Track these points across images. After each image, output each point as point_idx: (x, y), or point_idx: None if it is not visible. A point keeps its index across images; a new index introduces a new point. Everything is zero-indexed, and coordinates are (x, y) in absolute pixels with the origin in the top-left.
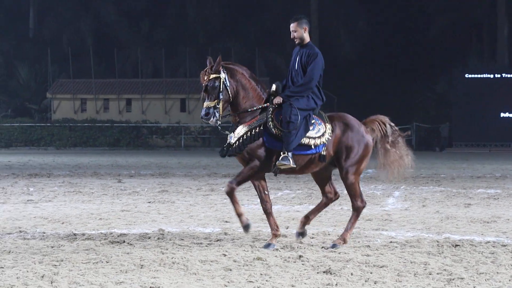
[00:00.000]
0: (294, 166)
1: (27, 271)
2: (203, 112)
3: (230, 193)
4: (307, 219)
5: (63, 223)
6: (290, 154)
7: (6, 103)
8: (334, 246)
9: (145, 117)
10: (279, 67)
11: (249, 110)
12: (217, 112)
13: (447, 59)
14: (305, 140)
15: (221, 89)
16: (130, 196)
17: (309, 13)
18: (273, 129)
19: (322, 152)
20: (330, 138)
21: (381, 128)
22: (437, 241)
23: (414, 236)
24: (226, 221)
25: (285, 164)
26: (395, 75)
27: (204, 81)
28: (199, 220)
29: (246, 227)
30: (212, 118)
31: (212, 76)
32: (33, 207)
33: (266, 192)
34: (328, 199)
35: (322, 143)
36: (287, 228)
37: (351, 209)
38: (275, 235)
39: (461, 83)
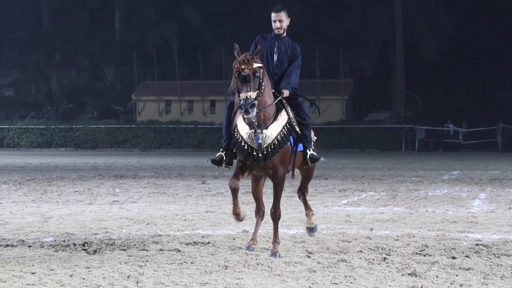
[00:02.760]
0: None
1: (113, 271)
2: (244, 102)
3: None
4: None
5: (148, 224)
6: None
7: (92, 105)
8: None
9: None
10: (363, 68)
11: (267, 105)
12: (256, 104)
13: None
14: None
15: (261, 80)
16: (214, 197)
17: (393, 13)
18: (295, 127)
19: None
20: None
21: None
22: None
23: (500, 239)
24: (371, 229)
25: (320, 159)
26: (480, 76)
27: (244, 70)
28: (283, 222)
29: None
30: (254, 111)
31: (256, 65)
32: (119, 208)
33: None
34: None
35: None
36: (371, 230)
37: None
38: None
39: None
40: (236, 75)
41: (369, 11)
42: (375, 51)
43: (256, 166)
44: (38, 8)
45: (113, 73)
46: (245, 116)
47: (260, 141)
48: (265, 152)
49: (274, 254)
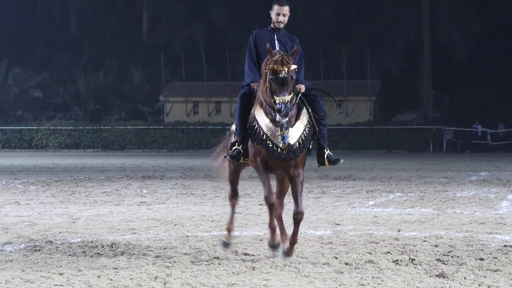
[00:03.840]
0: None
1: (141, 272)
2: (284, 107)
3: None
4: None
5: (175, 224)
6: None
7: (119, 106)
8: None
9: None
10: (390, 69)
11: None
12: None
13: None
14: None
15: (294, 82)
16: (242, 198)
17: (420, 13)
18: (315, 125)
19: None
20: None
21: None
22: None
23: None
24: (338, 224)
25: (339, 161)
26: (509, 77)
27: (282, 72)
28: (311, 223)
29: (272, 246)
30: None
31: (293, 67)
32: (146, 209)
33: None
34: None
35: None
36: (399, 231)
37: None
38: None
39: None
40: (271, 76)
41: (396, 11)
42: (403, 52)
43: (280, 165)
44: (66, 9)
45: (141, 74)
46: (282, 120)
47: (289, 140)
48: (293, 150)
49: (288, 254)
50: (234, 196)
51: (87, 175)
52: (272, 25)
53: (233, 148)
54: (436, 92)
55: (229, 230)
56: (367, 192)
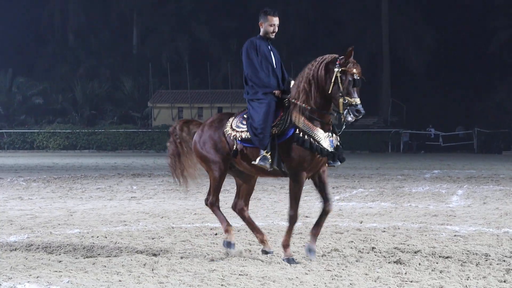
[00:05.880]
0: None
1: (131, 260)
2: (361, 107)
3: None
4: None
5: (162, 217)
6: None
7: (112, 111)
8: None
9: None
10: None
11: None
12: None
13: (505, 71)
14: None
15: None
16: (222, 194)
17: (380, 29)
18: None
19: None
20: None
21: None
22: (497, 235)
23: (476, 230)
24: (307, 216)
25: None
26: (459, 85)
27: (361, 75)
28: (283, 215)
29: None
30: None
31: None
32: (136, 203)
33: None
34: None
35: None
36: (361, 223)
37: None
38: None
39: None
40: (353, 79)
41: (359, 27)
42: (365, 63)
43: (315, 167)
44: (64, 25)
45: (131, 83)
46: (354, 120)
47: (337, 142)
48: (340, 151)
49: (313, 249)
50: (217, 201)
51: (83, 173)
52: (264, 36)
53: (261, 155)
54: (394, 99)
55: (227, 230)
56: (333, 188)
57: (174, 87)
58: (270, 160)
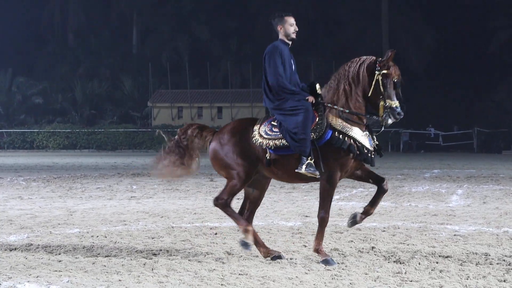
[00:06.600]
0: None
1: (131, 259)
2: (401, 110)
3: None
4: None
5: (162, 217)
6: None
7: (112, 111)
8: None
9: None
10: None
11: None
12: None
13: (505, 71)
14: None
15: None
16: None
17: (380, 29)
18: None
19: None
20: None
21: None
22: (497, 234)
23: (475, 230)
24: (306, 216)
25: None
26: (459, 85)
27: (400, 78)
28: (283, 215)
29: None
30: None
31: None
32: (136, 203)
33: None
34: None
35: None
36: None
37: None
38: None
39: None
40: (395, 81)
41: (359, 27)
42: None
43: (355, 167)
44: (64, 25)
45: (131, 83)
46: (393, 122)
47: (375, 142)
48: (375, 151)
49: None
50: (231, 202)
51: (83, 172)
52: (286, 38)
53: (306, 163)
54: None
55: (246, 230)
56: None
57: (174, 87)
58: (315, 166)
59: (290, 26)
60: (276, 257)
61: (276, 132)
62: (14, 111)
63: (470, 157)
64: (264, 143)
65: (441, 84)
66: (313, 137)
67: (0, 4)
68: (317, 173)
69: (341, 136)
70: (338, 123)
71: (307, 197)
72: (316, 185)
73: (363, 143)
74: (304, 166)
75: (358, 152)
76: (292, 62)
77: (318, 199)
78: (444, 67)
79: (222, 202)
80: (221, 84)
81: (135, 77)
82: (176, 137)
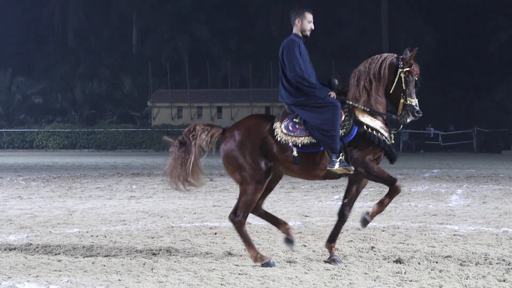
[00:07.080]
0: None
1: (130, 259)
2: (419, 107)
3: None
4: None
5: (161, 216)
6: None
7: (112, 111)
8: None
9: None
10: None
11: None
12: None
13: (505, 71)
14: None
15: None
16: (221, 193)
17: (380, 29)
18: None
19: None
20: None
21: None
22: (496, 234)
23: (475, 230)
24: (306, 216)
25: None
26: (459, 85)
27: (419, 76)
28: (282, 215)
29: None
30: None
31: None
32: (136, 203)
33: None
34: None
35: None
36: None
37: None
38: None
39: None
40: (416, 80)
41: (359, 27)
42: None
43: (378, 160)
44: (64, 25)
45: (131, 82)
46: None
47: (392, 140)
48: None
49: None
50: (246, 220)
51: (83, 172)
52: (301, 33)
53: (338, 160)
54: None
55: (257, 259)
56: (333, 187)
57: (174, 87)
58: (346, 162)
59: (308, 23)
60: (266, 264)
61: (301, 129)
62: (14, 111)
63: (469, 157)
64: (290, 140)
65: (441, 84)
66: (341, 134)
67: (0, 4)
68: (352, 168)
69: (369, 130)
70: (364, 117)
71: (306, 197)
72: (316, 185)
73: (388, 139)
74: (337, 163)
75: (387, 148)
76: (307, 57)
77: (378, 183)
78: (444, 67)
79: (238, 220)
80: (221, 84)
81: (135, 77)
82: (182, 137)
